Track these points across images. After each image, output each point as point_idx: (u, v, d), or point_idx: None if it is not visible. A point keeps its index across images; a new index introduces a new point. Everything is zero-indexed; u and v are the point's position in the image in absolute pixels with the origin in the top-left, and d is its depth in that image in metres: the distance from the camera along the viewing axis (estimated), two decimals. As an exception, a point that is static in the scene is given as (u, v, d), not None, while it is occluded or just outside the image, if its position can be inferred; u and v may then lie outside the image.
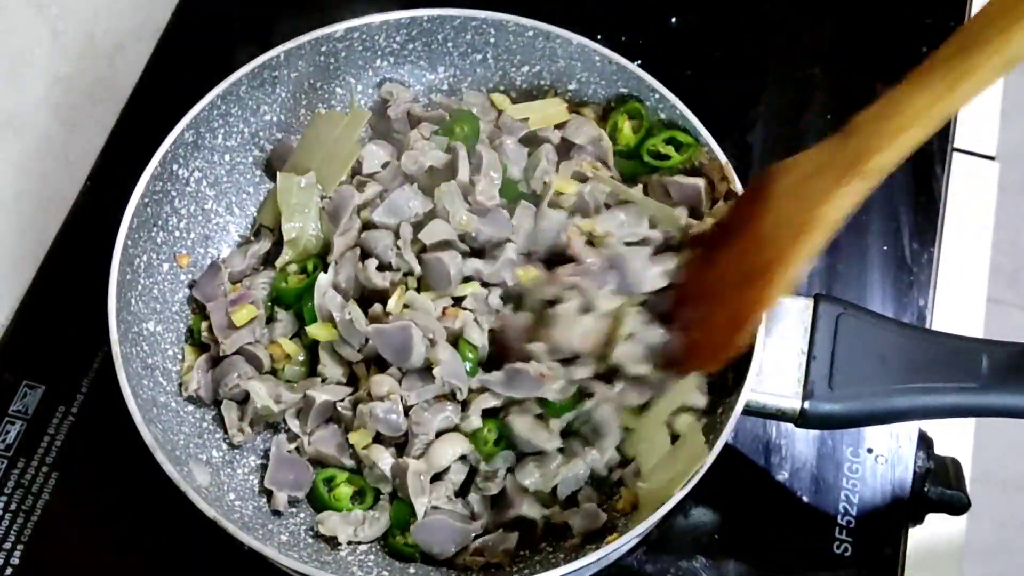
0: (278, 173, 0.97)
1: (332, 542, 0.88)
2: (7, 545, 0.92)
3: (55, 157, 1.06)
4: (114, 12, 1.11)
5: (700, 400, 0.88)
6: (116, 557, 0.92)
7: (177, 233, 0.96)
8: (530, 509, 0.88)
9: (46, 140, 1.04)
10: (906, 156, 0.75)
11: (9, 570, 0.91)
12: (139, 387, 0.86)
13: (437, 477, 0.88)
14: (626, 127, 0.98)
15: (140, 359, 0.89)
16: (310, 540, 0.89)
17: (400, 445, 0.89)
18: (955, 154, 1.12)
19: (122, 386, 0.83)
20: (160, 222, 0.94)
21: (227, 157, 0.99)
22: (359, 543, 0.88)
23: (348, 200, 0.94)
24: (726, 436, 0.83)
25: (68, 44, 1.05)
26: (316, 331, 0.91)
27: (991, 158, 1.14)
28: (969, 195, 1.11)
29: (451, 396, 0.88)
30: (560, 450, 0.88)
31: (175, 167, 0.94)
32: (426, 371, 0.88)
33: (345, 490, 0.90)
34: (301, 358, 0.93)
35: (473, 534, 0.87)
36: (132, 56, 1.14)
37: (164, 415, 0.88)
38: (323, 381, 0.92)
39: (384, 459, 0.88)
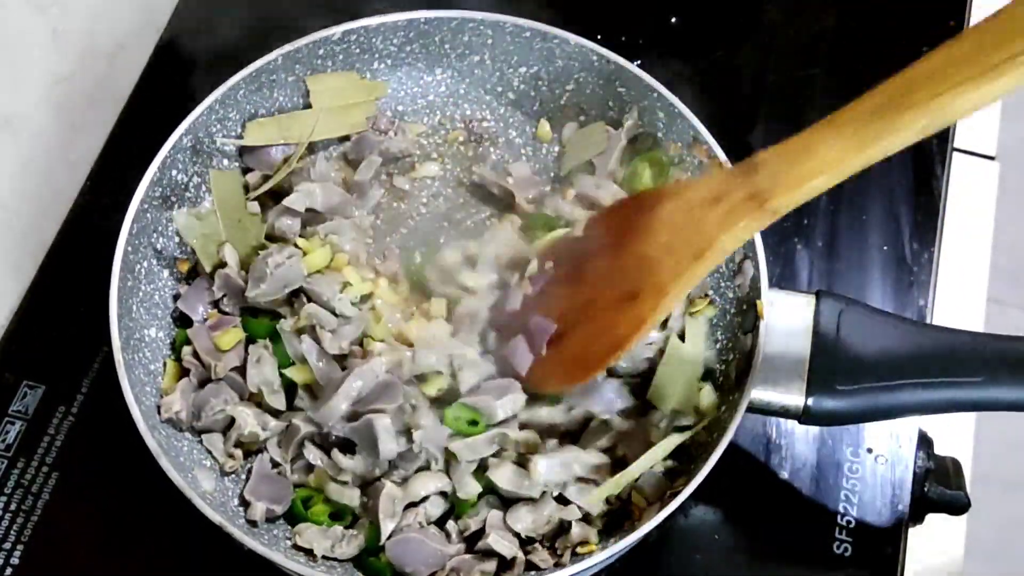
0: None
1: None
2: (7, 545, 0.92)
3: (55, 157, 1.06)
4: (114, 12, 1.11)
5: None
6: (116, 557, 0.92)
7: (177, 239, 0.95)
8: (504, 547, 0.85)
9: (46, 140, 1.04)
10: (807, 200, 0.74)
11: (9, 570, 0.91)
12: (142, 394, 0.86)
13: (412, 504, 0.87)
14: (646, 174, 0.97)
15: (142, 365, 0.89)
16: None
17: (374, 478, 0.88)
18: (955, 154, 1.12)
19: (125, 393, 0.83)
20: (160, 228, 0.94)
21: (225, 162, 0.98)
22: (335, 559, 0.86)
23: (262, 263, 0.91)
24: (731, 434, 0.83)
25: (68, 44, 1.05)
26: (293, 374, 0.90)
27: (991, 158, 1.14)
28: (969, 195, 1.11)
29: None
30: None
31: (174, 172, 0.94)
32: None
33: (322, 508, 0.88)
34: (276, 387, 0.91)
35: (448, 555, 0.85)
36: (132, 56, 1.14)
37: (176, 430, 0.89)
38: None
39: (354, 497, 0.87)
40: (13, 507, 0.93)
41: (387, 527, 0.85)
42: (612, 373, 0.91)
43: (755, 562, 0.93)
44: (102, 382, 0.98)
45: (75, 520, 0.93)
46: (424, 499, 0.87)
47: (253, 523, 0.88)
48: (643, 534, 0.82)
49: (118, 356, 0.84)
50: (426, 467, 0.87)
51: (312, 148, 1.00)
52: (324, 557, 0.86)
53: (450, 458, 0.87)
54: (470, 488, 0.86)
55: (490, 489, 0.87)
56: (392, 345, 0.89)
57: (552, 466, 0.86)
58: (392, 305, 0.93)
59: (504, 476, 0.86)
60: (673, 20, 1.18)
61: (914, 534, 0.95)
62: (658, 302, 0.79)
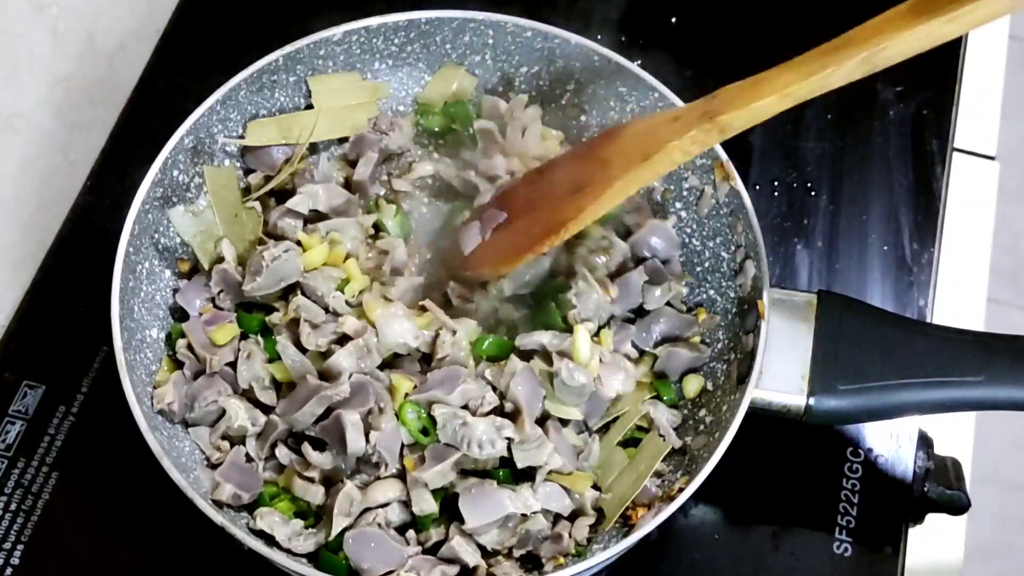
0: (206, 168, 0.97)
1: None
2: (7, 545, 0.92)
3: (55, 157, 1.06)
4: (114, 12, 1.11)
5: (663, 419, 0.90)
6: (116, 557, 0.92)
7: (178, 239, 0.95)
8: (468, 555, 0.85)
9: (46, 140, 1.04)
10: (756, 122, 0.80)
11: (9, 570, 0.91)
12: (143, 395, 0.86)
13: (370, 509, 0.86)
14: None
15: (144, 366, 0.89)
16: None
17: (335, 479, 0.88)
18: (955, 154, 1.12)
19: (127, 394, 0.83)
20: (161, 228, 0.94)
21: (227, 162, 0.98)
22: (292, 552, 0.85)
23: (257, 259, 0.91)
24: (732, 434, 0.83)
25: (68, 44, 1.05)
26: (275, 371, 0.90)
27: (991, 158, 1.14)
28: (969, 195, 1.11)
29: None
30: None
31: (175, 173, 0.94)
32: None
33: (287, 506, 0.88)
34: (267, 383, 0.90)
35: (407, 555, 0.84)
36: (132, 56, 1.14)
37: (168, 423, 0.88)
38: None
39: (317, 494, 0.87)
40: (13, 507, 0.93)
41: (339, 524, 0.84)
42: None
43: (755, 562, 0.93)
44: (102, 382, 0.98)
45: (75, 520, 0.93)
46: (383, 505, 0.86)
47: (219, 504, 0.86)
48: (641, 536, 0.83)
49: (120, 357, 0.84)
50: (378, 468, 0.86)
51: (314, 149, 1.00)
52: (282, 548, 0.85)
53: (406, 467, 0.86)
54: (425, 506, 0.86)
55: (450, 503, 0.86)
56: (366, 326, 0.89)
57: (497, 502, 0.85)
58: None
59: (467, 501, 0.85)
60: (673, 20, 1.18)
61: (914, 534, 0.95)
62: (601, 192, 0.85)
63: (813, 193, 1.08)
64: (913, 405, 0.86)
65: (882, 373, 0.85)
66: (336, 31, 0.98)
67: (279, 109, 0.99)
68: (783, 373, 0.86)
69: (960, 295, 1.06)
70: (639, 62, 0.98)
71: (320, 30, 0.98)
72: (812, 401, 0.86)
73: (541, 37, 0.99)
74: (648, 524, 0.82)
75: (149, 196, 0.91)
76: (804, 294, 0.89)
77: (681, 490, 0.82)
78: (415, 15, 0.99)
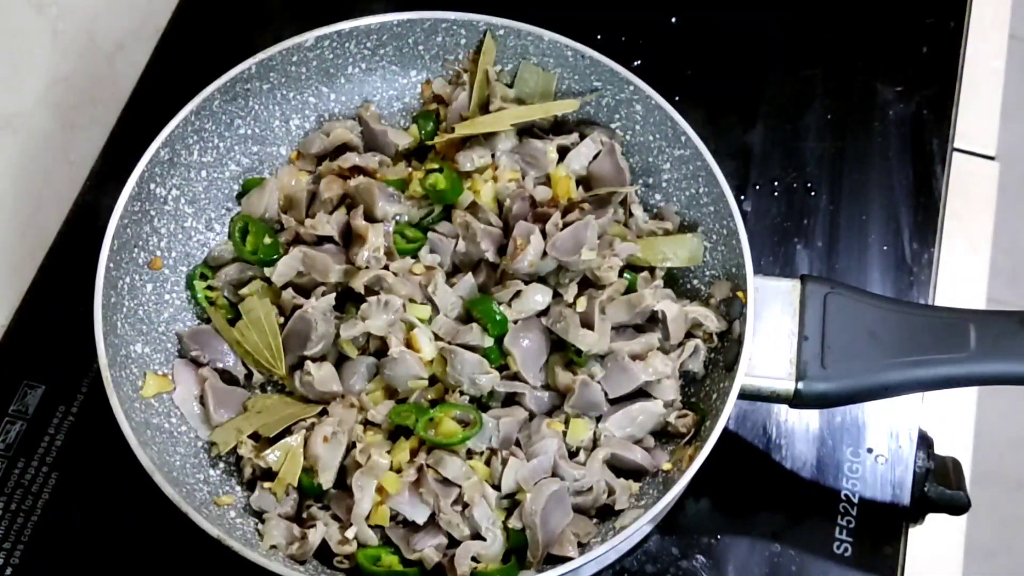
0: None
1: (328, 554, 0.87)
2: (7, 545, 0.92)
3: (55, 157, 1.06)
4: (114, 12, 1.11)
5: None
6: (116, 557, 0.92)
7: (158, 253, 0.94)
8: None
9: (46, 140, 1.04)
10: None
11: (9, 570, 0.91)
12: (131, 411, 0.85)
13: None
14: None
15: (130, 382, 0.88)
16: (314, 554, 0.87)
17: None
18: (955, 154, 1.12)
19: (115, 411, 0.82)
20: (140, 243, 0.93)
21: (204, 173, 0.98)
22: (293, 558, 0.86)
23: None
24: (723, 421, 0.83)
25: (68, 44, 1.05)
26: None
27: (991, 158, 1.14)
28: (969, 195, 1.11)
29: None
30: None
31: (152, 186, 0.93)
32: None
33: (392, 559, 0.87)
34: None
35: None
36: (132, 56, 1.14)
37: (159, 437, 0.87)
38: None
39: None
40: (13, 507, 0.93)
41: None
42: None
43: (755, 562, 0.93)
44: (102, 382, 0.98)
45: (75, 520, 0.93)
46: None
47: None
48: (635, 531, 0.82)
49: (106, 374, 0.84)
50: None
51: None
52: (321, 562, 0.86)
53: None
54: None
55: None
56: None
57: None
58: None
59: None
60: (673, 20, 1.18)
61: (914, 534, 0.95)
62: None
63: (813, 193, 1.08)
64: (901, 384, 0.86)
65: (868, 354, 0.85)
66: (308, 36, 0.97)
67: (253, 117, 0.98)
68: (771, 359, 0.86)
69: (960, 295, 1.06)
70: (639, 62, 0.98)
71: (319, 30, 0.97)
72: (801, 385, 0.86)
73: (514, 35, 0.98)
74: (640, 521, 0.82)
75: (127, 211, 0.90)
76: (787, 279, 0.89)
77: (675, 481, 0.82)
78: (386, 18, 0.98)
